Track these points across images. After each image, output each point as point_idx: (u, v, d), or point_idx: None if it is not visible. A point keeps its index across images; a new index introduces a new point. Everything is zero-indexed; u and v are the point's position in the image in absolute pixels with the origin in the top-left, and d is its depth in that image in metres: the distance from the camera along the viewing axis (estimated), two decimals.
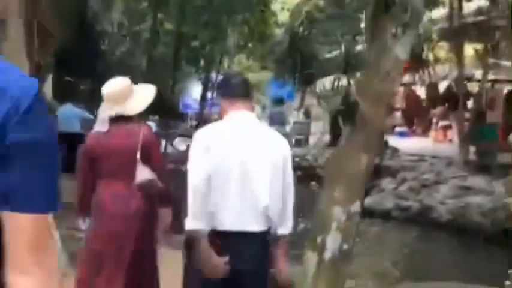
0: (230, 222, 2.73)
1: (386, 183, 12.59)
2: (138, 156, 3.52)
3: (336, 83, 15.53)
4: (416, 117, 20.25)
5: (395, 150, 14.98)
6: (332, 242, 3.57)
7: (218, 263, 2.70)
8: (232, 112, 2.88)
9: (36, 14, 6.26)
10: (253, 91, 3.09)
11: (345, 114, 16.03)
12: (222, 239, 2.72)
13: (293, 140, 16.34)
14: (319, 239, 3.62)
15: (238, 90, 2.92)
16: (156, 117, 19.21)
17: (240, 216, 2.72)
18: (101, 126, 3.66)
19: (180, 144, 14.46)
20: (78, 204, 3.72)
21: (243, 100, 2.90)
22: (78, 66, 13.11)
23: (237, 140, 2.80)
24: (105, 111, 3.65)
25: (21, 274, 1.11)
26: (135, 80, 3.84)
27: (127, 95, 3.60)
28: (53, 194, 1.16)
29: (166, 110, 19.99)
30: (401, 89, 18.82)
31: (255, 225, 2.75)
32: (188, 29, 12.01)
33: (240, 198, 2.72)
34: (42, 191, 1.13)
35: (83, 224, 3.85)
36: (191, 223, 2.69)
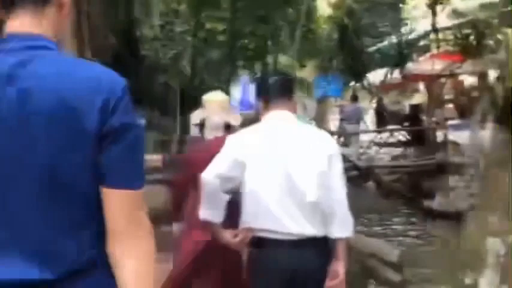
0: (277, 227, 2.61)
1: (454, 181, 11.79)
2: None
3: (388, 76, 14.86)
4: (469, 108, 19.30)
5: (456, 144, 14.14)
6: (488, 283, 2.86)
7: (233, 240, 2.76)
8: (269, 113, 2.80)
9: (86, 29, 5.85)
10: (294, 89, 2.95)
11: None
12: (271, 246, 2.62)
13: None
14: (468, 280, 2.91)
15: (274, 90, 2.82)
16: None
17: (288, 220, 2.59)
18: (213, 133, 3.66)
19: None
20: (173, 210, 3.80)
21: (281, 100, 2.80)
22: (122, 73, 12.61)
23: (274, 142, 2.69)
24: (213, 119, 3.68)
25: (120, 244, 1.30)
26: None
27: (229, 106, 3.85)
28: (143, 173, 1.35)
29: None
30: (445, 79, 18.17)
31: (305, 230, 2.60)
32: (240, 26, 11.40)
33: (285, 202, 2.60)
34: (135, 170, 1.33)
35: (178, 229, 3.94)
36: (204, 213, 2.78)
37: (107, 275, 1.33)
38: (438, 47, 14.90)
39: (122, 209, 1.33)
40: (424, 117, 13.77)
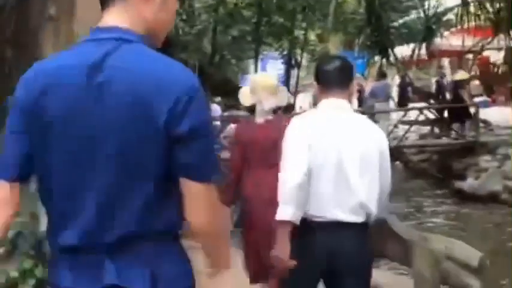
0: (324, 213, 2.61)
1: (485, 161, 11.34)
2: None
3: (416, 51, 14.34)
4: (495, 85, 18.74)
5: (486, 123, 13.67)
6: None
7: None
8: (324, 101, 2.77)
9: None
10: (351, 76, 2.85)
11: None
12: (316, 228, 2.62)
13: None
14: None
15: (329, 76, 2.77)
16: (219, 98, 18.45)
17: (334, 209, 2.60)
18: (264, 116, 3.73)
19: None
20: (226, 191, 3.78)
21: (336, 88, 2.74)
22: None
23: (329, 131, 2.68)
24: (265, 105, 3.72)
25: (200, 229, 1.50)
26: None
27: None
28: (217, 167, 1.49)
29: (228, 91, 19.18)
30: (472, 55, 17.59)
31: (350, 217, 2.62)
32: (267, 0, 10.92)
33: (335, 191, 2.60)
34: (211, 165, 1.47)
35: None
36: (284, 214, 2.60)
37: (171, 248, 1.52)
38: (467, 22, 14.29)
39: (202, 201, 1.47)
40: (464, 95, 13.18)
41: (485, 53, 18.86)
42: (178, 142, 1.41)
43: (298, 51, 13.22)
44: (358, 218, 2.62)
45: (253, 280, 3.75)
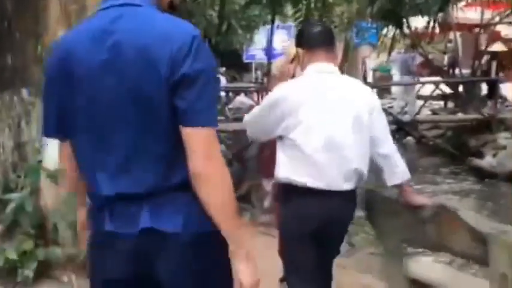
0: (318, 181, 2.60)
1: (503, 138, 10.88)
2: None
3: (431, 24, 13.78)
4: (506, 60, 18.16)
5: (503, 99, 13.19)
6: None
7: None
8: (311, 65, 2.72)
9: None
10: (334, 40, 2.82)
11: None
12: (306, 194, 2.61)
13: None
14: None
15: (315, 40, 2.73)
16: (223, 69, 17.89)
17: (326, 176, 2.58)
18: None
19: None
20: (262, 165, 3.99)
21: (322, 51, 2.71)
22: None
23: (319, 95, 2.64)
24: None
25: (198, 175, 1.56)
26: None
27: None
28: (216, 112, 1.59)
29: (232, 62, 18.63)
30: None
31: (343, 184, 2.61)
32: None
33: (326, 158, 2.57)
34: (210, 110, 1.56)
35: (268, 185, 4.39)
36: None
37: (190, 195, 1.59)
38: None
39: (199, 145, 1.55)
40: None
41: (497, 28, 18.32)
42: (178, 87, 1.53)
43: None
44: (351, 185, 2.63)
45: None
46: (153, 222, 1.58)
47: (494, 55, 12.97)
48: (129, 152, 1.58)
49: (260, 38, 20.85)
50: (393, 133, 14.23)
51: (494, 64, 12.99)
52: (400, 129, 12.94)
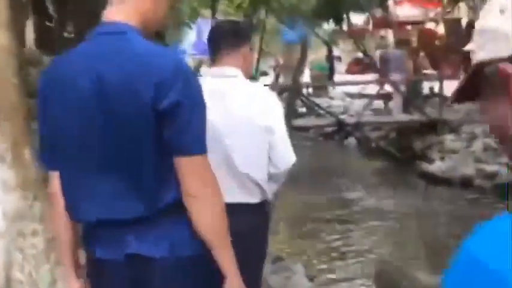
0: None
1: (450, 141, 10.41)
2: None
3: (370, 19, 13.22)
4: (440, 58, 18.07)
5: (443, 98, 12.78)
6: None
7: None
8: (212, 69, 2.62)
9: None
10: (243, 39, 2.57)
11: None
12: None
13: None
14: None
15: (217, 42, 2.58)
16: None
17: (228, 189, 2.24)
18: None
19: None
20: None
21: (225, 53, 2.55)
22: (61, 7, 10.52)
23: (211, 101, 2.22)
24: None
25: (192, 198, 1.59)
26: None
27: None
28: (204, 139, 1.62)
29: None
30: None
31: (244, 197, 2.49)
32: None
33: (220, 167, 2.29)
34: (199, 138, 1.60)
35: None
36: None
37: (183, 217, 1.62)
38: None
39: (192, 173, 1.59)
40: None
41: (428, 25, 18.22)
42: (165, 116, 1.55)
43: (262, 11, 11.55)
44: (251, 199, 2.53)
45: None
46: (138, 248, 1.62)
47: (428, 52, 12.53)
48: (115, 179, 1.62)
49: (187, 31, 20.08)
50: (332, 134, 13.62)
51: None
52: (340, 130, 12.32)
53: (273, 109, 2.56)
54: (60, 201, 1.74)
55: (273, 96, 2.69)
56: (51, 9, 11.50)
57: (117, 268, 1.64)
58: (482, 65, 0.77)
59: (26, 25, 8.79)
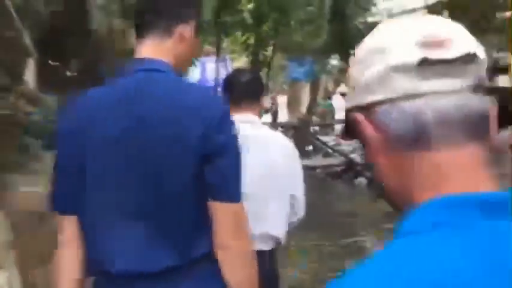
0: None
1: None
2: None
3: None
4: None
5: None
6: None
7: None
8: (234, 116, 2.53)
9: None
10: (261, 91, 2.71)
11: None
12: None
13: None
14: None
15: (238, 92, 2.67)
16: None
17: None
18: None
19: None
20: None
21: (246, 102, 2.66)
22: (64, 47, 10.36)
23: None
24: None
25: (226, 248, 1.52)
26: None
27: None
28: (241, 187, 1.55)
29: None
30: None
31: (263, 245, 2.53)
32: None
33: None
34: (237, 185, 1.53)
35: None
36: None
37: (208, 269, 1.55)
38: None
39: (229, 220, 1.52)
40: None
41: None
42: (208, 161, 1.48)
43: (268, 49, 11.32)
44: (265, 246, 2.54)
45: None
46: None
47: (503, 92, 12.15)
48: (149, 227, 1.51)
49: (191, 69, 19.90)
50: (341, 174, 13.18)
51: None
52: (349, 169, 11.94)
53: (295, 159, 2.66)
54: (76, 252, 1.60)
55: (291, 143, 2.77)
56: (54, 49, 11.34)
57: None
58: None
59: (27, 65, 8.59)
